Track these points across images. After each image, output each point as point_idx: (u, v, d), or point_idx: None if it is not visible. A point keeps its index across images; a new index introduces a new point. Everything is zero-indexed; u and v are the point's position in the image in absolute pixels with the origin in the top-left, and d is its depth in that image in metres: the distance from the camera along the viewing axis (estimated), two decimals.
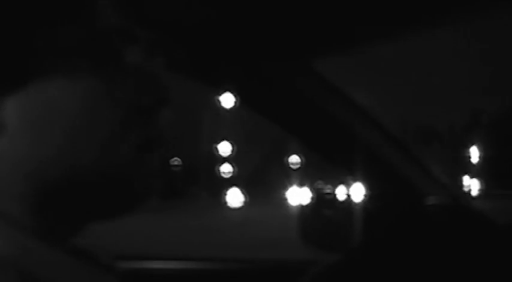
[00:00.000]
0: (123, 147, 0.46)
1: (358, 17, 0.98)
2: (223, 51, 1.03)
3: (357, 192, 1.14)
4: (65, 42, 0.44)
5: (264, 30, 1.00)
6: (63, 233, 0.49)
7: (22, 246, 0.42)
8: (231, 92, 1.19)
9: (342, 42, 1.10)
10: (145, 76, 0.48)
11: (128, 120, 0.46)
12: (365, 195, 1.12)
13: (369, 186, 1.14)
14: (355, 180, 1.16)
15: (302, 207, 1.10)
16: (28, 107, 0.43)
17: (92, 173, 0.45)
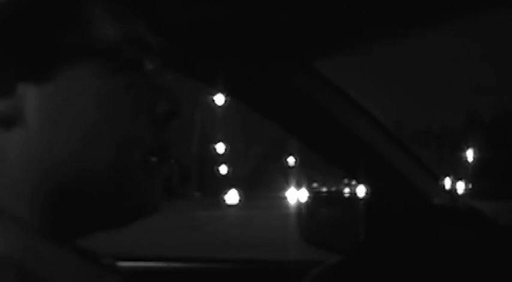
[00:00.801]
0: (136, 153, 0.47)
1: (358, 17, 0.98)
2: (223, 51, 1.03)
3: (356, 192, 1.14)
4: (86, 47, 0.45)
5: (264, 29, 1.00)
6: (71, 234, 0.48)
7: (26, 246, 0.42)
8: (230, 93, 1.19)
9: (340, 42, 1.10)
10: (161, 86, 0.50)
11: (142, 126, 0.47)
12: (364, 195, 1.11)
13: (368, 185, 1.14)
14: (353, 180, 1.16)
15: (300, 207, 1.10)
16: (48, 104, 0.44)
17: (104, 177, 0.45)
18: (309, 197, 1.12)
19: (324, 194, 1.41)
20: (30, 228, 0.43)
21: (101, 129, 0.45)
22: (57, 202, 0.45)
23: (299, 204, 1.11)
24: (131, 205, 0.48)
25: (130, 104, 0.47)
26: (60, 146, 0.44)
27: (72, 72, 0.44)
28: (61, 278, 0.43)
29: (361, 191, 1.12)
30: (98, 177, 0.45)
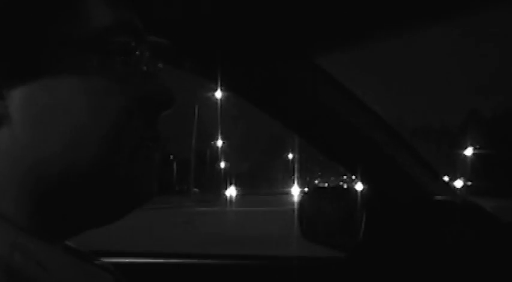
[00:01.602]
0: (126, 146, 0.46)
1: (359, 13, 0.98)
2: (224, 46, 1.02)
3: (357, 188, 1.14)
4: (74, 39, 0.44)
5: (265, 24, 0.99)
6: (62, 232, 0.47)
7: (13, 244, 0.41)
8: (231, 89, 1.19)
9: (341, 38, 1.10)
10: (152, 77, 0.49)
11: (133, 118, 0.46)
12: (365, 191, 1.11)
13: (370, 182, 1.14)
14: (354, 176, 1.16)
15: (301, 204, 1.10)
16: (34, 101, 0.43)
17: (94, 172, 0.44)
18: (310, 193, 1.11)
19: (325, 190, 1.40)
20: (17, 226, 0.43)
21: (90, 124, 0.44)
22: (47, 199, 0.44)
23: (300, 201, 1.10)
24: (123, 198, 0.47)
25: (120, 96, 0.45)
26: (48, 143, 0.43)
27: (58, 66, 0.43)
28: (50, 275, 0.42)
29: (361, 187, 1.12)
30: (88, 173, 0.44)
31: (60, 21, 0.43)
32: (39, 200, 0.44)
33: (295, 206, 1.17)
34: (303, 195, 1.12)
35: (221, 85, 1.14)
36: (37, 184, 0.43)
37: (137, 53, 0.47)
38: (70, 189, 0.44)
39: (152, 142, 0.48)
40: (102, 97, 0.44)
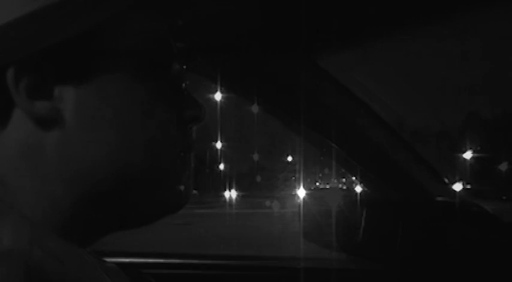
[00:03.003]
0: (168, 152, 0.49)
1: (360, 14, 0.98)
2: (226, 47, 1.02)
3: (357, 189, 1.14)
4: (121, 51, 0.46)
5: (268, 26, 0.99)
6: (91, 234, 0.49)
7: (33, 239, 0.42)
8: (232, 89, 1.19)
9: (342, 40, 1.10)
10: (188, 93, 0.52)
11: (173, 127, 0.49)
12: (365, 192, 1.11)
13: (370, 184, 1.14)
14: (355, 178, 1.16)
15: (304, 206, 1.10)
16: (86, 105, 0.45)
17: (140, 176, 0.47)
18: (311, 194, 1.11)
19: (326, 191, 1.40)
20: (38, 223, 0.44)
21: (137, 130, 0.46)
22: (87, 202, 0.46)
23: (300, 203, 1.10)
24: (161, 203, 0.49)
25: (162, 106, 0.48)
26: (98, 147, 0.45)
27: (107, 75, 0.45)
28: (69, 270, 0.43)
29: (361, 188, 1.12)
30: (133, 177, 0.46)
31: (108, 34, 0.46)
32: (80, 203, 0.45)
33: (295, 209, 1.17)
34: (304, 196, 1.13)
35: (221, 85, 1.14)
36: (81, 187, 0.45)
37: (176, 67, 0.50)
38: (113, 192, 0.46)
39: (187, 152, 0.51)
40: (148, 105, 0.47)
